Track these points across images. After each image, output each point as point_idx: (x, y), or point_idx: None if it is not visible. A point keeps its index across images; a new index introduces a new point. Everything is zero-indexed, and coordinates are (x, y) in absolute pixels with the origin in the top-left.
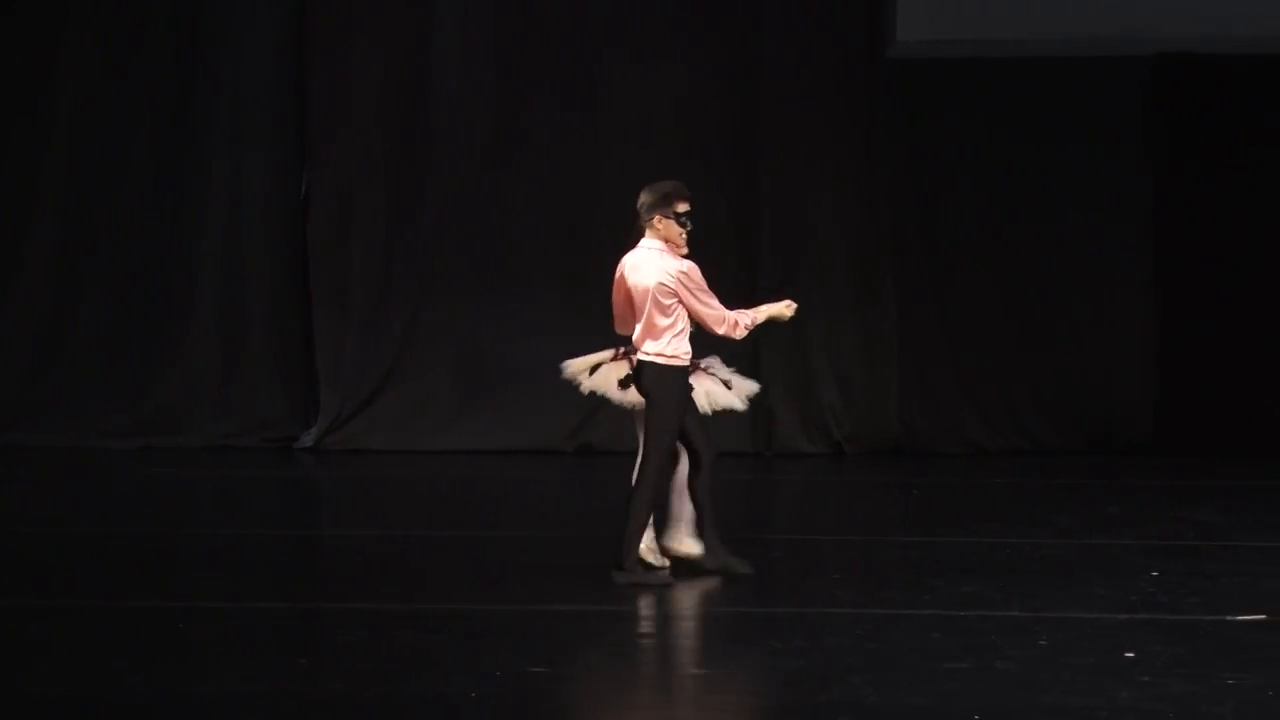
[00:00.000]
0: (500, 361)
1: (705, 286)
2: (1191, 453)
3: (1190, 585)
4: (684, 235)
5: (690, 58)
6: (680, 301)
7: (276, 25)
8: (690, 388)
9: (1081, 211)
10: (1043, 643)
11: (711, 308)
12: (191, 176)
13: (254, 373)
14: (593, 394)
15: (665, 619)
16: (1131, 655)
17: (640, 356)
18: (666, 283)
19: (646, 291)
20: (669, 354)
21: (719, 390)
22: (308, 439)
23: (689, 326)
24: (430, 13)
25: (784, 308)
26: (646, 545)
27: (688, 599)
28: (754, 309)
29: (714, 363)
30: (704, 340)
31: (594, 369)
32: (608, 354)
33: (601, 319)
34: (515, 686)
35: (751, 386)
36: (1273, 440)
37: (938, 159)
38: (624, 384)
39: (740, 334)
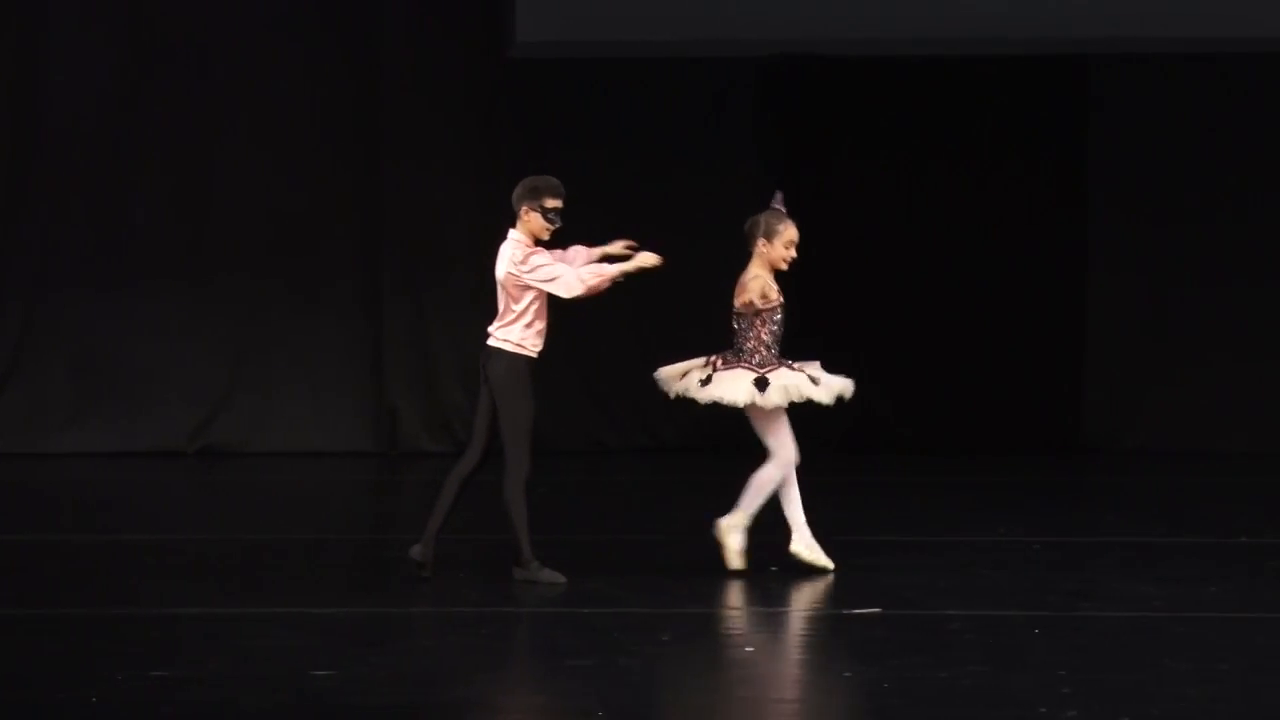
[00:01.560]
0: (119, 361)
1: (539, 262)
2: (806, 449)
3: (808, 579)
4: (549, 230)
5: (312, 55)
6: (529, 289)
7: None
8: (531, 379)
9: (698, 210)
10: (665, 638)
11: (549, 278)
12: None
13: None
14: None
15: (289, 621)
16: (752, 649)
17: (490, 342)
18: (513, 272)
19: (500, 281)
20: (515, 342)
21: (800, 382)
22: None
23: (544, 322)
24: (42, 7)
25: (647, 258)
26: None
27: (316, 599)
28: (615, 265)
29: (806, 364)
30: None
31: (684, 375)
32: (700, 361)
33: (222, 316)
34: (136, 690)
35: (843, 384)
36: (893, 437)
37: (559, 159)
38: (703, 382)
39: (581, 288)
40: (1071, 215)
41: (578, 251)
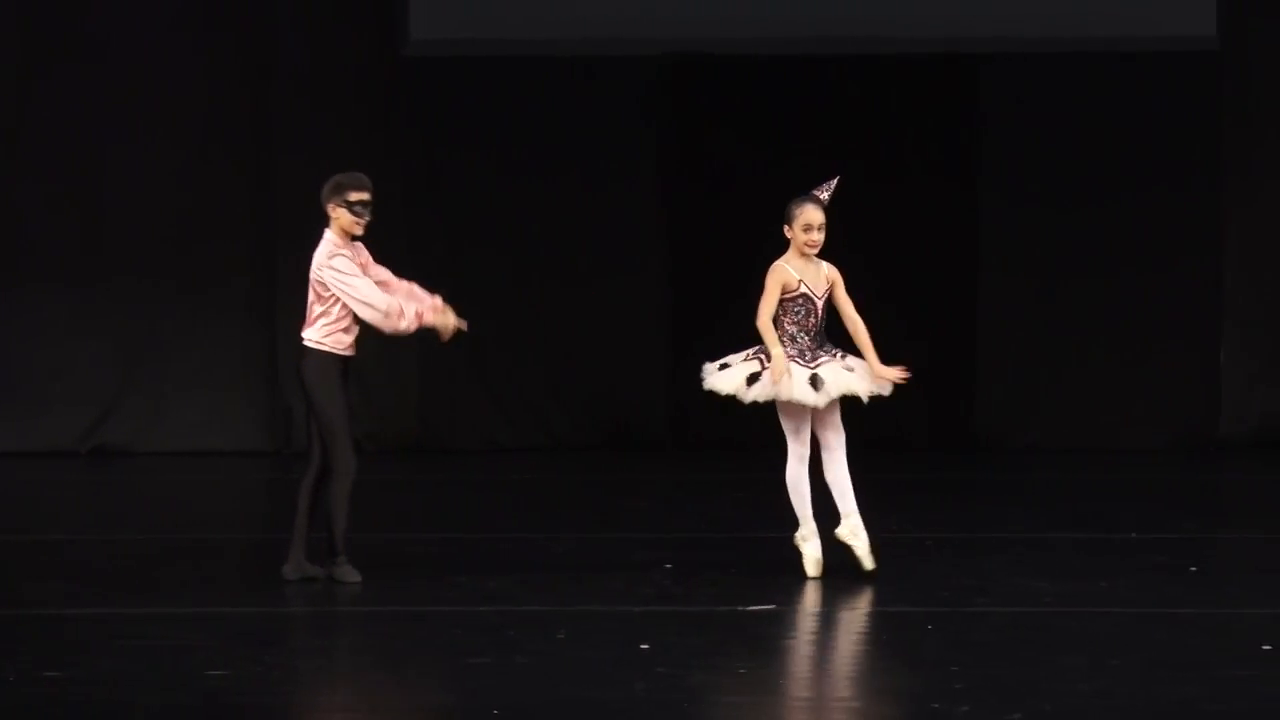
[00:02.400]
0: (10, 362)
1: (351, 278)
2: (704, 447)
3: (704, 577)
4: (358, 224)
5: (205, 53)
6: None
7: None
8: (336, 374)
9: (595, 209)
10: (561, 636)
11: (361, 300)
12: None
13: None
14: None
15: (183, 621)
16: (647, 647)
17: (302, 343)
18: (318, 272)
19: (308, 278)
20: (317, 340)
21: (793, 383)
22: None
23: (341, 320)
24: None
25: (449, 323)
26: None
27: (210, 599)
28: (435, 309)
29: (831, 359)
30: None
31: (724, 368)
32: (741, 355)
33: (114, 316)
34: (29, 692)
35: (847, 383)
36: (778, 433)
37: (455, 157)
38: (750, 380)
39: (406, 326)
40: (962, 214)
41: (398, 285)
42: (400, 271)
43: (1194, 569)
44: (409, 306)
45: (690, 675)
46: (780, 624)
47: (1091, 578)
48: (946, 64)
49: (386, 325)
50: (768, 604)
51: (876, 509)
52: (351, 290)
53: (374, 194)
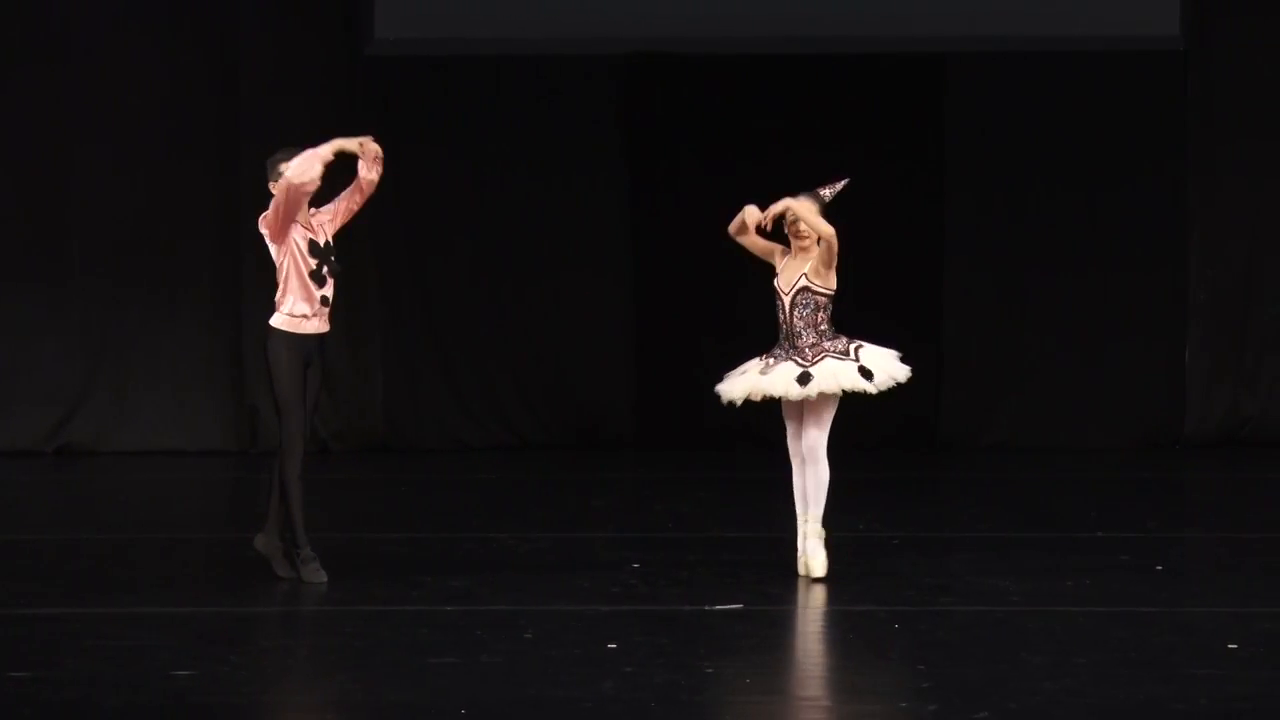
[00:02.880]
0: None
1: (273, 203)
2: (670, 446)
3: (670, 576)
4: None
5: (169, 52)
6: (281, 247)
7: None
8: (294, 356)
9: (560, 208)
10: (528, 636)
11: (285, 191)
12: None
13: None
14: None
15: (149, 621)
16: (614, 646)
17: (269, 322)
18: (267, 240)
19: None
20: (280, 320)
21: (734, 383)
22: None
23: (294, 287)
24: None
25: (356, 145)
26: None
27: (176, 598)
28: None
29: (781, 361)
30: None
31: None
32: (755, 362)
33: (80, 315)
34: None
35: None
36: (743, 433)
37: (420, 157)
38: (801, 381)
39: (318, 156)
40: (929, 214)
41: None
42: (364, 272)
43: (1159, 568)
44: (312, 150)
45: (657, 674)
46: (747, 623)
47: (1057, 577)
48: (913, 63)
49: (315, 160)
50: (734, 603)
51: (843, 509)
52: (278, 200)
53: None
